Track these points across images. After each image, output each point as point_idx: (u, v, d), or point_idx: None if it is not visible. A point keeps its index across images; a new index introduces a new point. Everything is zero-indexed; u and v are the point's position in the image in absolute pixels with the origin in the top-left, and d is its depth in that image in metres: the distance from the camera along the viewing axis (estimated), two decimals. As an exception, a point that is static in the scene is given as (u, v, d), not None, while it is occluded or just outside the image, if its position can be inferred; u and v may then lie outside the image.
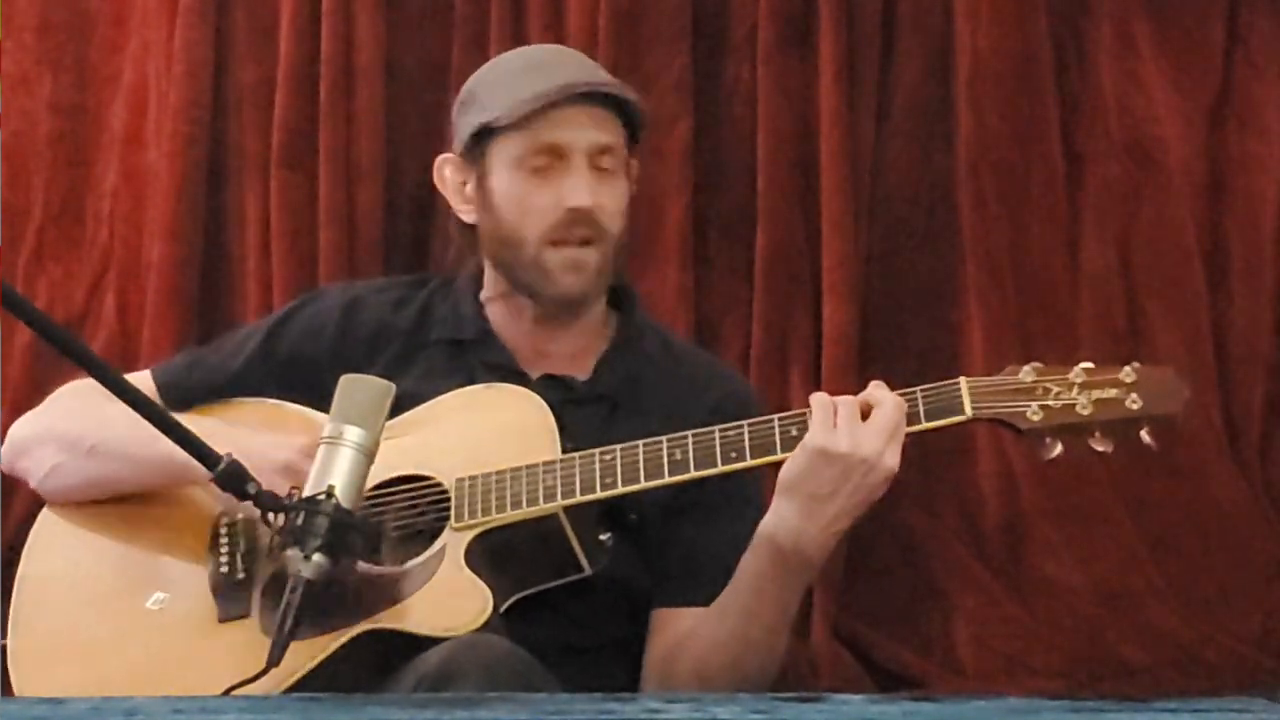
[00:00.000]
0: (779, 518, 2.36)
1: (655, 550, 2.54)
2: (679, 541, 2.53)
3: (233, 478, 2.16)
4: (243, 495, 2.16)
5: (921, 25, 3.26)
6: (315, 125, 3.23)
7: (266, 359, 2.63)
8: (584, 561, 2.40)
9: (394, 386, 2.24)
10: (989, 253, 3.22)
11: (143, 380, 2.62)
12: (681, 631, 2.49)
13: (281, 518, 2.16)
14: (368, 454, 2.19)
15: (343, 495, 2.15)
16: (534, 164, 2.53)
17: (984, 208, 3.22)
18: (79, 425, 2.57)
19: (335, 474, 2.17)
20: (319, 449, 2.20)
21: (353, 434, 2.19)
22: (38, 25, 3.30)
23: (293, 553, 2.14)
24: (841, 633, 3.08)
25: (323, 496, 2.15)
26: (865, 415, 2.34)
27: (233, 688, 2.17)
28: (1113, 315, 3.24)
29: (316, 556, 2.13)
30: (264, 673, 2.14)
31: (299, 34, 3.24)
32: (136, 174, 3.28)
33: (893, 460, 2.32)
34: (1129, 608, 3.11)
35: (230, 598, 2.45)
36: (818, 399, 2.36)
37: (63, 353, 2.19)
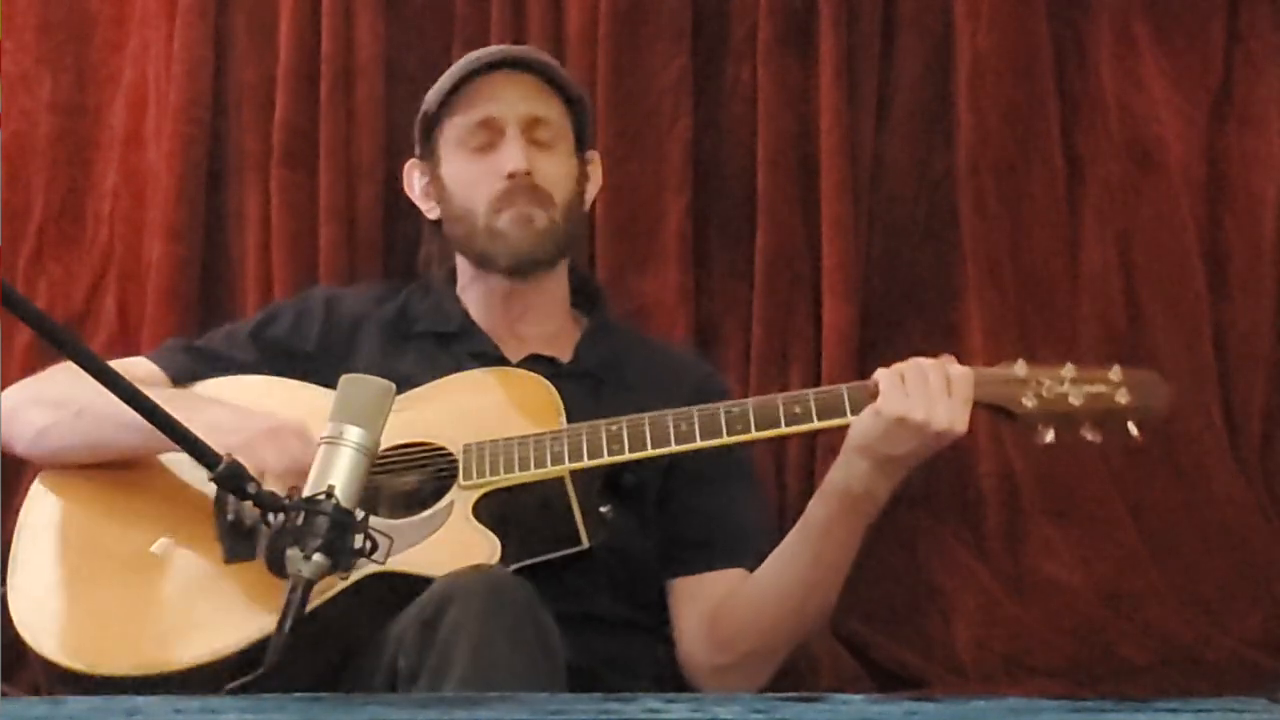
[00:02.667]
0: (851, 471, 2.47)
1: (670, 522, 2.62)
2: (697, 510, 2.62)
3: (232, 478, 2.16)
4: (242, 495, 2.16)
5: (921, 25, 3.26)
6: (315, 124, 3.23)
7: (257, 348, 2.68)
8: (583, 533, 2.44)
9: (394, 386, 2.25)
10: (989, 253, 3.22)
11: (136, 365, 2.64)
12: (720, 593, 2.58)
13: (281, 517, 2.16)
14: (368, 454, 2.19)
15: (343, 495, 2.16)
16: (473, 143, 2.70)
17: (984, 208, 3.22)
18: (69, 389, 2.59)
19: (335, 474, 2.17)
20: (319, 449, 2.21)
21: (353, 434, 2.19)
22: (38, 25, 3.30)
23: (293, 553, 2.14)
24: (841, 633, 3.07)
25: (323, 496, 2.15)
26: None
27: (233, 688, 2.17)
28: (1113, 315, 3.24)
29: (316, 556, 2.13)
30: (264, 672, 2.15)
31: (299, 33, 3.24)
32: (136, 174, 3.28)
33: (963, 426, 2.43)
34: (1129, 608, 3.11)
35: (236, 541, 2.46)
36: (882, 371, 2.46)
37: (63, 353, 2.19)
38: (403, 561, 2.37)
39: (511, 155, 2.66)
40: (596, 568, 2.50)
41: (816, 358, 3.18)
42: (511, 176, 2.66)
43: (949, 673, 3.07)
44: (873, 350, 3.19)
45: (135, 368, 2.65)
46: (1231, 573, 3.16)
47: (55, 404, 2.61)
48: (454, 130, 2.72)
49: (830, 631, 3.06)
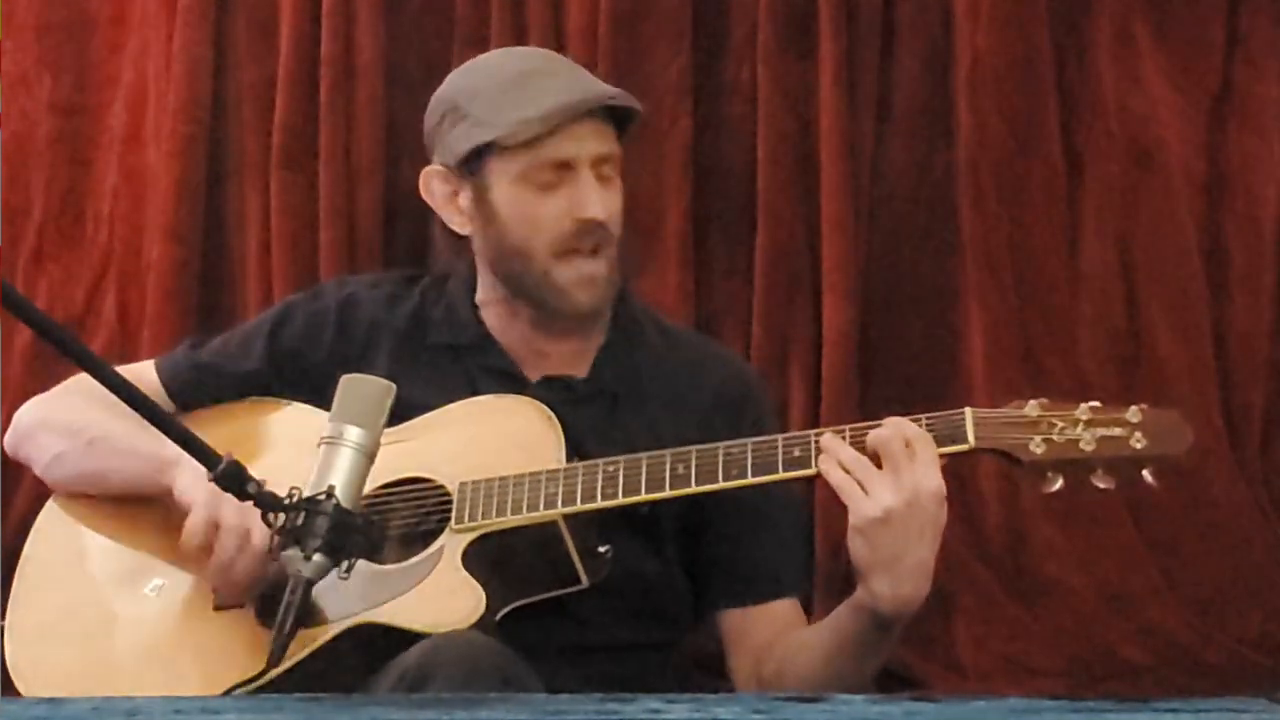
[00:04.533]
0: (875, 593, 2.31)
1: (710, 551, 2.56)
2: (739, 540, 2.55)
3: (232, 478, 2.16)
4: (243, 495, 2.16)
5: (921, 25, 3.26)
6: (315, 126, 3.23)
7: (271, 360, 2.64)
8: (581, 573, 2.40)
9: (394, 386, 2.24)
10: (989, 253, 3.22)
11: (145, 371, 2.63)
12: (771, 627, 2.52)
13: (282, 518, 2.16)
14: (368, 454, 2.19)
15: (343, 495, 2.15)
16: (541, 179, 2.52)
17: (984, 208, 3.22)
18: (83, 416, 2.57)
19: (335, 474, 2.17)
20: (319, 449, 2.20)
21: (353, 434, 2.19)
22: (38, 25, 3.30)
23: (292, 553, 2.14)
24: (842, 633, 3.07)
25: (323, 496, 2.15)
26: (875, 460, 2.30)
27: (234, 687, 2.17)
28: (1113, 315, 3.24)
29: (316, 556, 2.13)
30: (264, 672, 2.15)
31: (299, 34, 3.24)
32: (136, 174, 3.28)
33: (932, 482, 2.27)
34: (1129, 608, 3.11)
35: None
36: (834, 478, 2.31)
37: (63, 353, 2.19)
38: (387, 614, 2.35)
39: (589, 201, 2.51)
40: (610, 597, 2.46)
41: (816, 358, 3.18)
42: (584, 222, 2.52)
43: (949, 673, 3.07)
44: (873, 350, 3.19)
45: (144, 372, 2.63)
46: (1231, 573, 3.16)
47: (69, 432, 2.59)
48: (520, 163, 2.52)
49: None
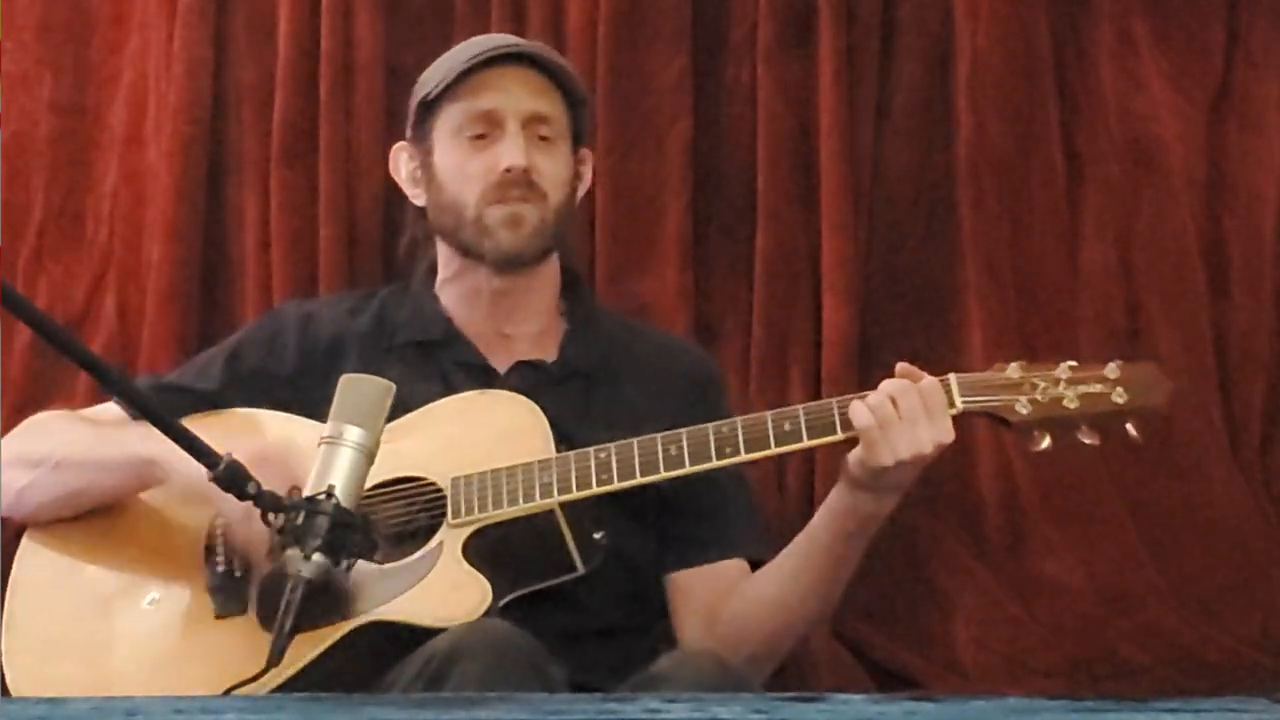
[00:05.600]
0: (856, 499, 2.45)
1: (666, 518, 2.59)
2: (689, 506, 2.59)
3: (232, 478, 2.16)
4: (243, 495, 2.16)
5: (921, 25, 3.26)
6: (315, 124, 3.22)
7: (231, 380, 2.65)
8: (577, 560, 2.42)
9: (394, 386, 2.25)
10: (989, 253, 3.22)
11: (111, 409, 2.62)
12: (718, 586, 2.56)
13: (282, 518, 2.16)
14: (368, 454, 2.19)
15: (343, 495, 2.16)
16: (471, 132, 2.64)
17: (984, 208, 3.22)
18: (43, 445, 2.58)
19: (335, 474, 2.17)
20: (319, 449, 2.20)
21: (353, 434, 2.19)
22: (38, 25, 3.30)
23: (293, 553, 2.14)
24: (841, 632, 3.08)
25: (323, 496, 2.15)
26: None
27: (233, 687, 2.17)
28: (1113, 315, 3.24)
29: (316, 556, 2.13)
30: (264, 672, 2.15)
31: (298, 33, 3.23)
32: (136, 174, 3.28)
33: (943, 438, 2.39)
34: (1129, 608, 3.11)
35: (227, 594, 2.46)
36: (860, 420, 2.39)
37: (63, 353, 2.19)
38: (394, 610, 2.36)
39: (511, 150, 2.61)
40: (605, 582, 2.48)
41: (816, 358, 3.18)
42: (508, 171, 2.60)
43: (949, 673, 3.07)
44: (873, 350, 3.19)
45: (104, 413, 2.63)
46: (1231, 573, 3.16)
47: (32, 462, 2.57)
48: (452, 118, 2.66)
49: (830, 631, 3.06)
